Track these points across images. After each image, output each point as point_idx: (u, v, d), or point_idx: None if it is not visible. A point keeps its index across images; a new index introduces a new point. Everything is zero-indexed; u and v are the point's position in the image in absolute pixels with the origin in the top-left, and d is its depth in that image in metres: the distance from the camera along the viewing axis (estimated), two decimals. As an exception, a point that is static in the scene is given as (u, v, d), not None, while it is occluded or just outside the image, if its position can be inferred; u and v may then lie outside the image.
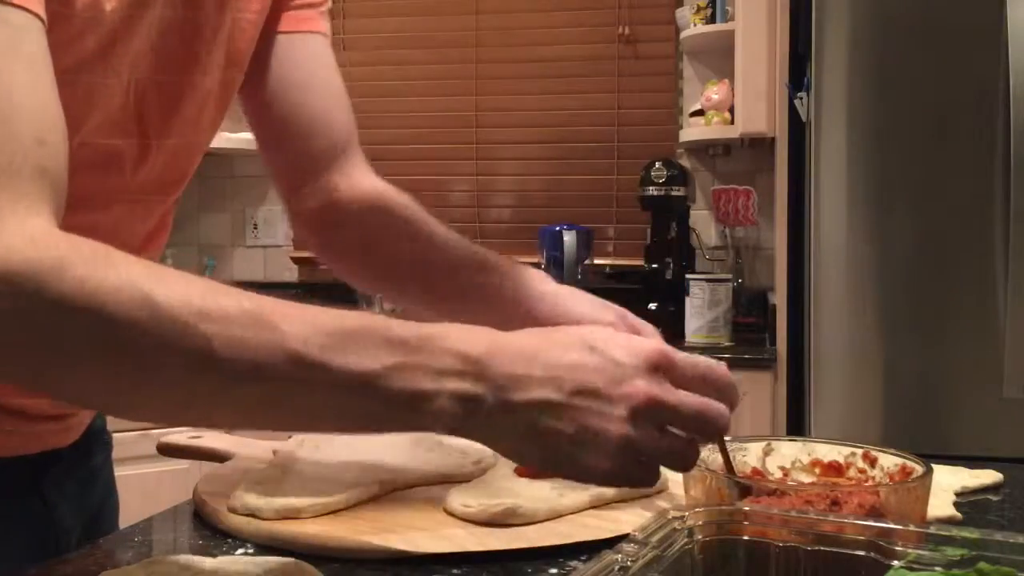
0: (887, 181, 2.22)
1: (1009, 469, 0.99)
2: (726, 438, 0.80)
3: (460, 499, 0.83)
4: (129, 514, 1.05)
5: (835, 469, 0.81)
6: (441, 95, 3.48)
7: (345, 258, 1.07)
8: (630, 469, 0.68)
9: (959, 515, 0.86)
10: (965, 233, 2.17)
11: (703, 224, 3.25)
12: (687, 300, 2.79)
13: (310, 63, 1.02)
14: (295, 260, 3.61)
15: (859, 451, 0.80)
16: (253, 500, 0.81)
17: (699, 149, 3.27)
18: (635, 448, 0.67)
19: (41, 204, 0.62)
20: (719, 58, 3.13)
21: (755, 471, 0.81)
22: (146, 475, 2.11)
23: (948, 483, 0.94)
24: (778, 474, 0.82)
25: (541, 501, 0.82)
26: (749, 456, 0.82)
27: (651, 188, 3.01)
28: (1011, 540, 0.55)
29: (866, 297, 2.24)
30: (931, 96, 2.19)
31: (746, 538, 0.60)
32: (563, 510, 0.83)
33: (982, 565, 0.54)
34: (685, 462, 0.70)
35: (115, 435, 1.10)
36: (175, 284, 0.61)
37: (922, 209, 2.20)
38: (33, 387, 0.79)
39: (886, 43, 2.22)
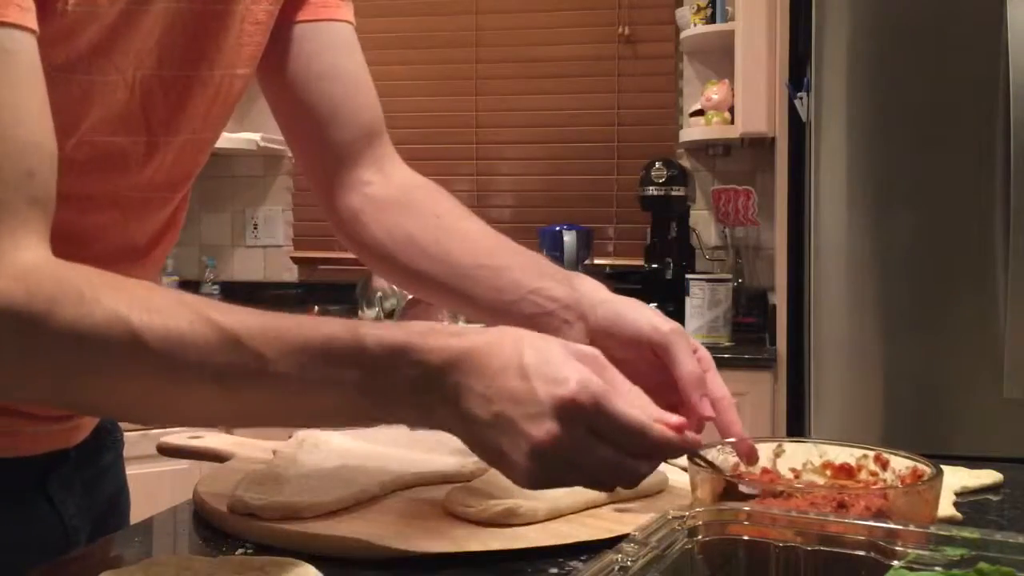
0: (887, 181, 2.22)
1: (1009, 469, 0.99)
2: (723, 443, 0.80)
3: (460, 499, 0.83)
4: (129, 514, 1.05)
5: (846, 472, 0.80)
6: (441, 95, 3.48)
7: (384, 262, 1.02)
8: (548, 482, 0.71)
9: (959, 515, 0.86)
10: (965, 233, 2.17)
11: (703, 224, 3.25)
12: (687, 300, 2.78)
13: (331, 52, 1.00)
14: (295, 260, 3.61)
15: (871, 454, 0.79)
16: (253, 500, 0.80)
17: (699, 149, 3.27)
18: (545, 483, 0.70)
19: (30, 236, 0.66)
20: (719, 58, 3.13)
21: (765, 472, 0.81)
22: (146, 475, 2.10)
23: (948, 483, 0.94)
24: (788, 476, 0.81)
25: (541, 501, 0.81)
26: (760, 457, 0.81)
27: (651, 188, 3.01)
28: (1011, 540, 0.55)
29: (866, 297, 2.24)
30: (931, 96, 2.19)
31: (746, 538, 0.60)
32: (563, 510, 0.82)
33: (982, 565, 0.54)
34: (610, 486, 0.74)
35: (119, 434, 1.10)
36: (157, 315, 0.66)
37: (922, 209, 2.20)
38: (47, 406, 0.83)
39: (886, 43, 2.22)
